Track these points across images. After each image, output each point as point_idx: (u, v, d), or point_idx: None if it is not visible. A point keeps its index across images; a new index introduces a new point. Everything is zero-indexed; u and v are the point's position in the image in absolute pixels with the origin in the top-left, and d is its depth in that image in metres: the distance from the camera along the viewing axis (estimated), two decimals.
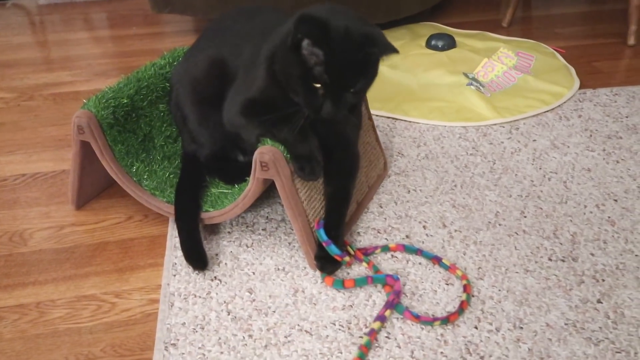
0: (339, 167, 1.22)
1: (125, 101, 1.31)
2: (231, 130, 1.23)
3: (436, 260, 1.19)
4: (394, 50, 1.05)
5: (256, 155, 1.11)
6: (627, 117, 1.77)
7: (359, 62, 1.03)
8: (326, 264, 1.15)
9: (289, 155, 1.12)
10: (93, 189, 1.42)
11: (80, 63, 2.32)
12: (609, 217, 1.33)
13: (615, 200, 1.38)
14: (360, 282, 1.12)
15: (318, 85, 1.03)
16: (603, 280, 1.15)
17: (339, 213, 1.20)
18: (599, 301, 1.10)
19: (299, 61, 1.02)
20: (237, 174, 1.27)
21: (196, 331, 1.05)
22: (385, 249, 1.22)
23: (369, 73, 1.07)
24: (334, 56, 1.01)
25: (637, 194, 1.40)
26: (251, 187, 1.16)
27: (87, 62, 2.32)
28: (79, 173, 1.33)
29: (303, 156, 1.11)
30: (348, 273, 1.17)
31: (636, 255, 1.21)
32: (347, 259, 1.15)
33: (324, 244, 1.13)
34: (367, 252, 1.21)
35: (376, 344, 1.01)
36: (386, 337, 1.03)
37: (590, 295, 1.11)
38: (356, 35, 1.02)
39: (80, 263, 1.23)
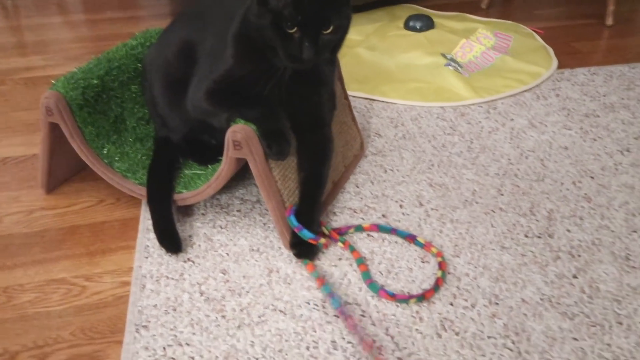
0: (311, 151, 1.19)
1: (96, 82, 1.28)
2: (198, 117, 1.20)
3: (411, 238, 1.18)
4: None
5: (228, 134, 1.09)
6: (604, 96, 1.76)
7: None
8: (302, 249, 1.13)
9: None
10: (64, 172, 1.39)
11: (54, 47, 2.27)
12: (585, 193, 1.32)
13: (592, 177, 1.38)
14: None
15: (293, 30, 1.00)
16: (579, 255, 1.14)
17: (313, 198, 1.17)
18: (574, 276, 1.10)
19: (268, 10, 1.00)
20: (210, 154, 1.25)
21: (168, 313, 1.03)
22: (359, 228, 1.20)
23: (340, 11, 1.03)
24: None
25: (613, 171, 1.40)
26: (224, 167, 1.14)
27: (60, 47, 2.27)
28: (49, 156, 1.30)
29: (272, 134, 1.09)
30: (324, 252, 1.16)
31: (612, 231, 1.21)
32: (322, 240, 1.12)
33: (295, 230, 1.11)
34: (341, 232, 1.19)
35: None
36: (361, 315, 1.02)
37: (566, 271, 1.11)
38: None
39: (50, 247, 1.21)
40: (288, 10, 0.98)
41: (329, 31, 1.02)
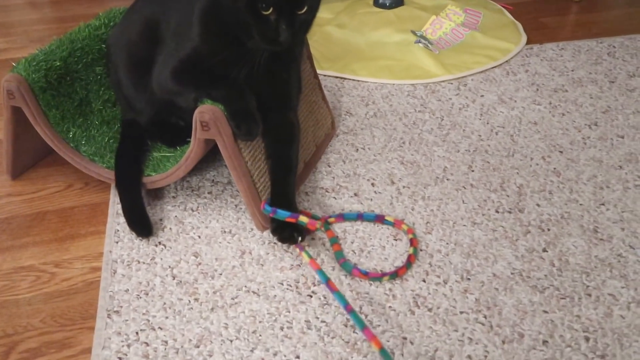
0: (278, 135, 1.17)
1: (58, 64, 1.24)
2: (164, 97, 1.18)
3: (379, 219, 1.17)
4: None
5: (196, 115, 1.07)
6: (572, 70, 1.78)
7: None
8: (285, 231, 1.10)
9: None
10: (29, 157, 1.36)
11: (16, 30, 2.21)
12: (554, 168, 1.34)
13: (561, 152, 1.39)
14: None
15: (269, 11, 0.98)
16: (548, 229, 1.16)
17: (285, 183, 1.15)
18: (544, 250, 1.11)
19: None
20: (179, 136, 1.23)
21: (140, 297, 1.02)
22: (326, 226, 1.16)
23: None
24: None
25: (582, 145, 1.42)
26: (192, 148, 1.12)
27: (23, 29, 2.21)
28: (13, 141, 1.27)
29: (240, 114, 1.07)
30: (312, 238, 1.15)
31: (580, 205, 1.22)
32: (304, 219, 1.08)
33: (271, 215, 1.09)
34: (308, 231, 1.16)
35: (324, 302, 1.00)
36: None
37: (536, 245, 1.12)
38: None
39: (18, 234, 1.18)
40: None
41: (303, 11, 1.01)
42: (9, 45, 2.06)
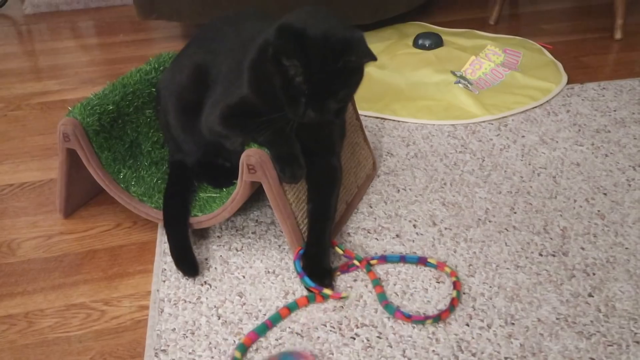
0: (319, 179, 1.20)
1: (111, 107, 1.30)
2: (211, 140, 1.22)
3: (422, 262, 1.18)
4: (372, 58, 1.03)
5: (243, 158, 1.11)
6: (615, 110, 1.77)
7: (338, 70, 1.02)
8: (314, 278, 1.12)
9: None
10: (81, 197, 1.41)
11: (68, 71, 2.31)
12: (598, 210, 1.33)
13: (605, 194, 1.38)
14: None
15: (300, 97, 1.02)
16: (594, 274, 1.15)
17: (321, 231, 1.17)
18: (590, 295, 1.10)
19: (279, 71, 1.02)
20: (225, 177, 1.27)
21: (186, 336, 1.04)
22: (368, 267, 1.17)
23: (350, 80, 1.06)
24: (312, 66, 1.00)
25: (626, 187, 1.40)
26: (239, 190, 1.15)
27: (74, 70, 2.31)
28: (66, 181, 1.32)
29: (284, 158, 1.10)
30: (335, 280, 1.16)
31: (626, 248, 1.21)
32: (327, 292, 1.10)
33: (299, 276, 1.12)
34: (348, 270, 1.17)
35: (368, 344, 1.01)
36: (377, 337, 1.02)
37: (581, 289, 1.11)
38: (334, 42, 1.01)
39: (69, 272, 1.22)
40: (298, 81, 1.01)
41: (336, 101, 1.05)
42: (62, 87, 2.15)
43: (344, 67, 1.02)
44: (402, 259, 1.19)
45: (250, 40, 1.15)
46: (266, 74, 1.05)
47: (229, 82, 1.17)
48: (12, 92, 2.13)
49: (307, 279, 1.10)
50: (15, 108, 2.00)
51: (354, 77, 1.07)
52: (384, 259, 1.19)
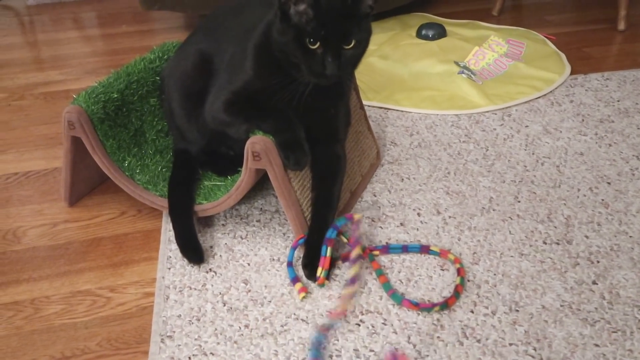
0: (323, 168, 1.21)
1: (116, 96, 1.30)
2: (216, 128, 1.22)
3: (424, 250, 1.18)
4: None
5: (248, 145, 1.11)
6: (618, 101, 1.77)
7: (348, 10, 1.03)
8: (312, 270, 1.12)
9: None
10: (86, 185, 1.42)
11: (71, 62, 2.31)
12: (602, 199, 1.33)
13: (609, 183, 1.38)
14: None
15: (316, 45, 1.02)
16: (598, 261, 1.15)
17: (323, 219, 1.17)
18: (594, 282, 1.10)
19: (291, 25, 1.03)
20: (229, 165, 1.27)
21: (192, 323, 1.05)
22: (371, 257, 1.17)
23: (362, 24, 1.05)
24: (322, 8, 1.01)
25: (629, 176, 1.41)
26: (244, 177, 1.15)
27: (77, 61, 2.31)
28: (71, 169, 1.33)
29: (289, 145, 1.10)
30: (339, 267, 1.17)
31: (630, 237, 1.21)
32: (297, 287, 1.11)
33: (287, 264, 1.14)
34: (350, 260, 1.14)
35: (372, 331, 1.01)
36: (382, 323, 1.03)
37: (585, 277, 1.11)
38: None
39: (75, 259, 1.23)
40: (311, 26, 1.01)
41: (350, 46, 1.04)
42: (65, 77, 2.15)
43: (354, 6, 1.03)
44: (405, 249, 1.19)
45: (253, 27, 1.15)
46: (280, 36, 1.05)
47: (233, 70, 1.17)
48: (16, 82, 2.13)
49: (290, 270, 1.13)
50: (18, 98, 2.00)
51: (365, 22, 1.06)
52: (386, 249, 1.19)
